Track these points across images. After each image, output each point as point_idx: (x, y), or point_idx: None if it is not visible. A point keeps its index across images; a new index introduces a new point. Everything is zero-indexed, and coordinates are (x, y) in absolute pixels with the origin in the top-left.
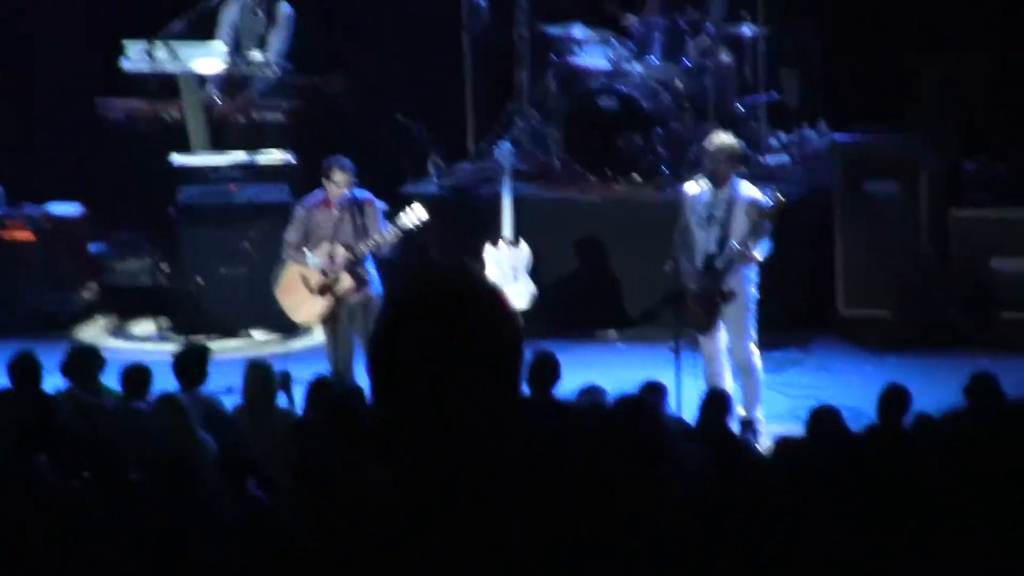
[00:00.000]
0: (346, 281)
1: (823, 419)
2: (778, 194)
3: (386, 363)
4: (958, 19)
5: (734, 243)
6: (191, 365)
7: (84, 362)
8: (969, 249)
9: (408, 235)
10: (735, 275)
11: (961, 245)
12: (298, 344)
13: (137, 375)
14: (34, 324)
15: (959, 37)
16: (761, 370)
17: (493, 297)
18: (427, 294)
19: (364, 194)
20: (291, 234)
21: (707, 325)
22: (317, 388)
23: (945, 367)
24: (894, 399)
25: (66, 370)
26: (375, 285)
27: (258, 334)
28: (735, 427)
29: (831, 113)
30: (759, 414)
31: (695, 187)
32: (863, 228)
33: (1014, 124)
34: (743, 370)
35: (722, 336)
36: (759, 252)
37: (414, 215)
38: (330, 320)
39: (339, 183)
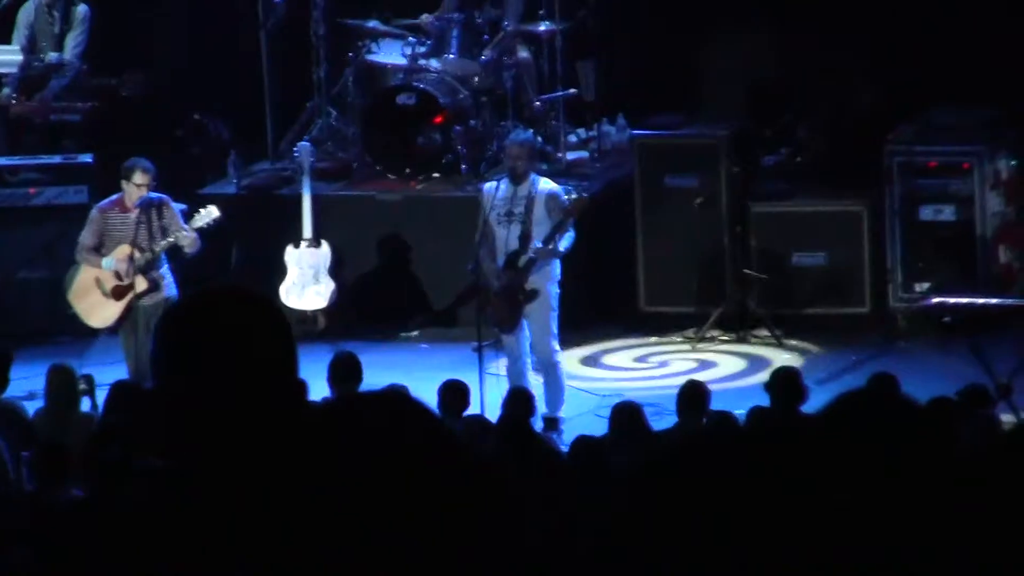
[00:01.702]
0: (140, 284)
1: (625, 416)
2: (583, 194)
3: (164, 373)
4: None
5: (537, 241)
6: None
7: None
8: (770, 243)
9: (204, 236)
10: (538, 273)
11: (761, 239)
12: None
13: None
14: None
15: (743, 18)
16: (564, 368)
17: (267, 311)
18: (201, 309)
19: (160, 196)
20: (85, 236)
21: (510, 323)
22: (117, 392)
23: (749, 363)
24: (694, 396)
25: None
26: (170, 288)
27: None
28: (539, 426)
29: (630, 107)
30: (562, 413)
31: (493, 185)
32: (664, 223)
33: (800, 103)
34: (546, 369)
35: (525, 334)
36: (562, 245)
37: (208, 216)
38: (126, 324)
39: (139, 185)
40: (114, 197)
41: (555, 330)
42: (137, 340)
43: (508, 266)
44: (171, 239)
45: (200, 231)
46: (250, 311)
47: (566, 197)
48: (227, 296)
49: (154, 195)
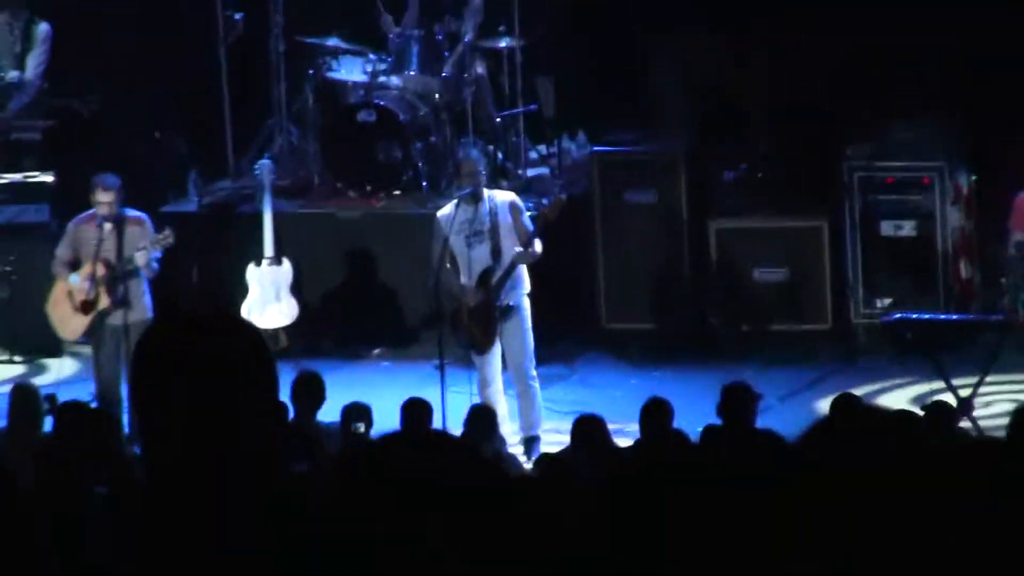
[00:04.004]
0: (105, 299)
1: (587, 429)
2: (561, 195)
3: (143, 396)
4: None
5: (516, 248)
6: None
7: None
8: (730, 259)
9: (163, 256)
10: (513, 290)
11: (722, 255)
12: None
13: None
14: None
15: (694, 19)
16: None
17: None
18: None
19: (134, 213)
20: (60, 249)
21: (485, 343)
22: (66, 410)
23: (708, 379)
24: (655, 412)
25: None
26: (142, 308)
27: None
28: (516, 448)
29: (589, 123)
30: (540, 432)
31: (448, 212)
32: (624, 239)
33: (757, 109)
34: (524, 388)
35: (498, 354)
36: (538, 247)
37: (164, 239)
38: (93, 340)
39: (102, 201)
40: (90, 212)
41: (532, 348)
42: (102, 357)
43: (481, 284)
44: (130, 257)
45: (156, 251)
46: (227, 334)
47: (522, 202)
48: (203, 320)
49: (131, 212)
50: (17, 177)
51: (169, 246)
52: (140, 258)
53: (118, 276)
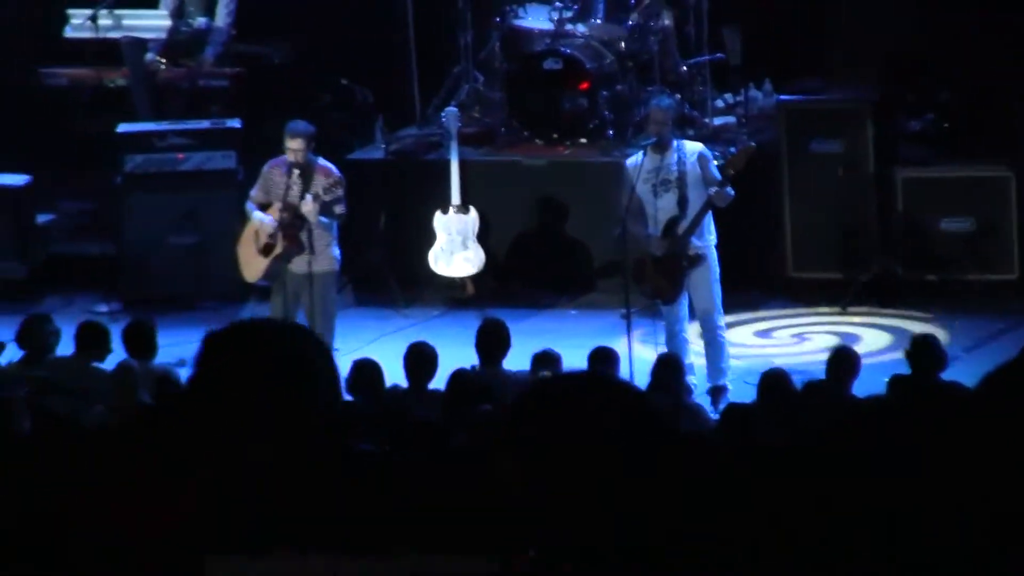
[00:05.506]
0: (283, 244)
1: (773, 383)
2: (750, 143)
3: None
4: None
5: (711, 189)
6: (141, 337)
7: (38, 332)
8: (916, 209)
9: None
10: (700, 239)
11: (908, 205)
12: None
13: (92, 333)
14: None
15: None
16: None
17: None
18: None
19: (324, 163)
20: (253, 190)
21: (672, 293)
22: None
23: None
24: (843, 362)
25: (21, 340)
26: (327, 258)
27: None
28: (699, 395)
29: (775, 72)
30: (727, 382)
31: (636, 159)
32: (810, 188)
33: (944, 59)
34: (711, 337)
35: (684, 303)
36: (729, 195)
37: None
38: (275, 285)
39: (291, 147)
40: (283, 156)
41: (719, 297)
42: (277, 302)
43: (667, 233)
44: (300, 206)
45: (337, 202)
46: (285, 337)
47: (710, 151)
48: (261, 324)
49: (321, 161)
50: (205, 124)
51: (334, 197)
52: (304, 206)
53: (300, 221)
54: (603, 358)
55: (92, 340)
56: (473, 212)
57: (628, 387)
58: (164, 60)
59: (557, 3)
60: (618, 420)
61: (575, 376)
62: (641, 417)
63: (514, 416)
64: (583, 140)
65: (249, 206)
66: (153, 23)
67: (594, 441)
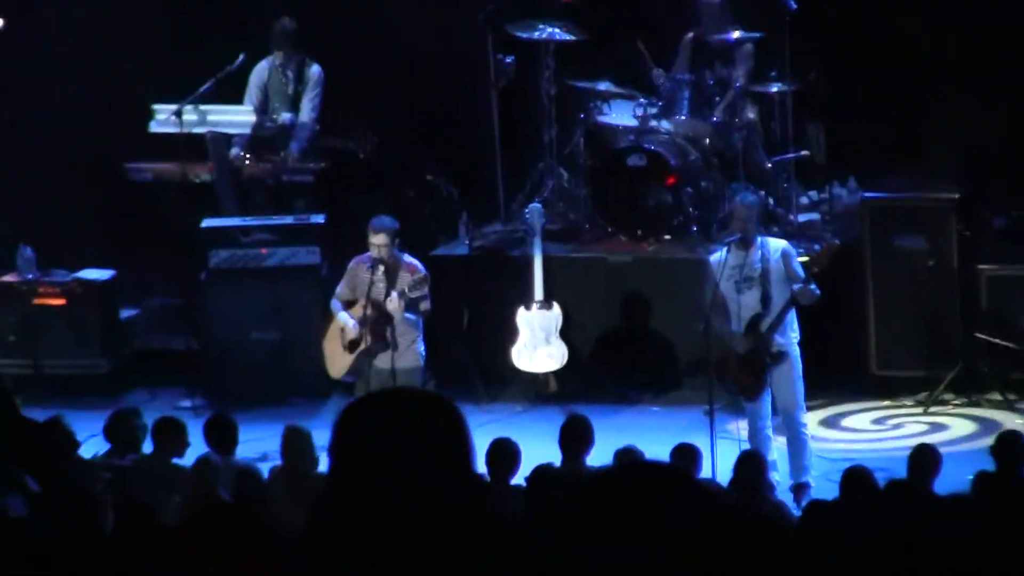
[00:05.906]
0: (368, 340)
1: (856, 480)
2: (834, 240)
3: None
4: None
5: (795, 286)
6: (221, 431)
7: (126, 425)
8: (1000, 307)
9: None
10: (783, 336)
11: (991, 302)
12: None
13: (168, 428)
14: (62, 390)
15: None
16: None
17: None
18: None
19: (410, 259)
20: (340, 287)
21: (756, 390)
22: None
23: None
24: (925, 459)
25: (108, 433)
26: (412, 354)
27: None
28: (782, 492)
29: (859, 169)
30: (810, 479)
31: (720, 255)
32: (894, 285)
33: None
34: (794, 434)
35: (768, 399)
36: (814, 292)
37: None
38: (359, 382)
39: (375, 243)
40: (369, 252)
41: (802, 394)
42: None
43: (750, 330)
44: (386, 302)
45: (423, 299)
46: (425, 408)
47: (793, 248)
48: (403, 394)
49: (407, 258)
50: (289, 219)
51: (420, 293)
52: (389, 304)
53: (384, 319)
54: (685, 454)
55: (168, 435)
56: (556, 308)
57: (699, 481)
58: (249, 155)
59: (641, 99)
60: (687, 511)
61: (647, 467)
62: (713, 509)
63: (588, 501)
64: (667, 236)
65: (335, 304)
66: (238, 118)
67: (665, 535)
